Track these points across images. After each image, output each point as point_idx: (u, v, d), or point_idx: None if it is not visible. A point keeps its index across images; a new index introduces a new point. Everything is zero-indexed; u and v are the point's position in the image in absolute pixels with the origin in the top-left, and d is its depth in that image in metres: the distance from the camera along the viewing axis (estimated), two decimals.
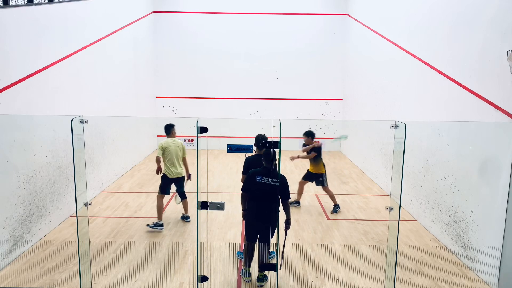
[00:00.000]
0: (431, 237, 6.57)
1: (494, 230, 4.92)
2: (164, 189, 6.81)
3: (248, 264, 5.10)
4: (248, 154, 6.09)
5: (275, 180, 4.77)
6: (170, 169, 6.78)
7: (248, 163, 5.83)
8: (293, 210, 7.74)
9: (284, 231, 5.02)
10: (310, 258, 5.73)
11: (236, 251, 5.84)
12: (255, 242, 5.08)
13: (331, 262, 5.62)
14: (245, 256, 5.09)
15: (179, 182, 6.97)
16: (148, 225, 6.66)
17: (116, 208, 7.74)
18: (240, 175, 6.04)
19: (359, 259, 5.73)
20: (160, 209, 6.73)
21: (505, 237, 4.77)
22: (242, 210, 5.10)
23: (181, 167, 6.94)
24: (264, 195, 4.80)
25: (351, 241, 6.39)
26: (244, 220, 5.29)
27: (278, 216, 4.87)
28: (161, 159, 6.81)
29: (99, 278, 5.07)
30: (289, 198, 4.99)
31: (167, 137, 6.88)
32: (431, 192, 6.65)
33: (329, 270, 5.37)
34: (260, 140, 5.95)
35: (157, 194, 6.88)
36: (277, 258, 4.89)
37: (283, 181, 4.89)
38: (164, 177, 6.84)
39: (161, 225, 6.64)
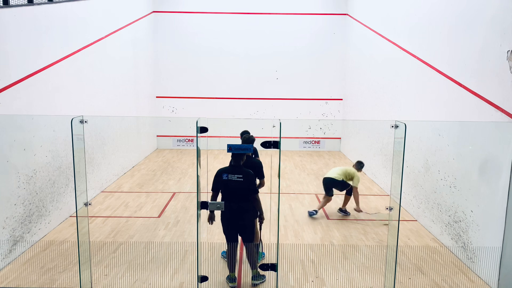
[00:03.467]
0: (431, 237, 6.57)
1: (494, 230, 4.92)
2: (325, 191, 7.58)
3: (232, 268, 4.98)
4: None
5: (240, 176, 4.75)
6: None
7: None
8: (293, 211, 7.75)
9: (259, 226, 5.00)
10: (310, 258, 5.73)
11: (221, 251, 5.81)
12: (236, 242, 4.99)
13: (331, 262, 5.62)
14: (228, 259, 4.98)
15: (334, 185, 7.49)
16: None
17: (116, 208, 7.74)
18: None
19: (359, 259, 5.73)
20: (322, 202, 7.56)
21: (505, 237, 4.77)
22: (210, 210, 4.99)
23: (336, 174, 7.45)
24: (233, 193, 4.78)
25: (351, 241, 6.39)
26: (208, 222, 5.17)
27: (251, 213, 4.85)
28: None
29: (99, 278, 5.07)
30: (256, 192, 4.90)
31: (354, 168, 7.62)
32: (431, 192, 6.65)
33: (329, 270, 5.37)
34: (245, 140, 5.97)
35: None
36: (259, 255, 4.86)
37: (248, 176, 4.81)
38: None
39: (314, 213, 7.41)
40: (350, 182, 7.42)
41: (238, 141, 7.26)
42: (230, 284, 4.97)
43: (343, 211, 7.52)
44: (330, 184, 7.44)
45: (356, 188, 7.36)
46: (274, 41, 14.03)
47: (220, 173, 4.87)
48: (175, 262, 5.52)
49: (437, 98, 6.80)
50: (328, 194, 7.47)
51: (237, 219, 4.83)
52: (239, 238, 5.03)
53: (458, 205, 5.77)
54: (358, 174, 7.45)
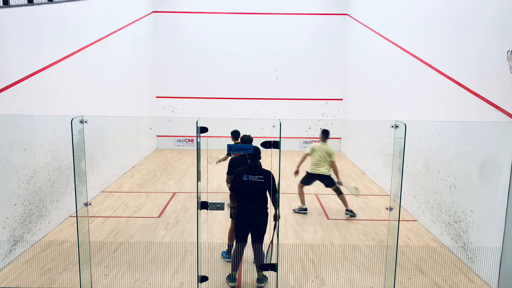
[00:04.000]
0: (431, 237, 6.57)
1: (494, 230, 4.92)
2: (305, 181, 7.66)
3: (235, 267, 4.98)
4: (233, 154, 6.16)
5: (261, 176, 4.78)
6: (313, 167, 7.52)
7: (232, 163, 5.90)
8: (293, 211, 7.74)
9: (273, 225, 5.02)
10: (310, 258, 5.73)
11: (221, 251, 5.81)
12: (245, 243, 5.01)
13: (331, 262, 5.62)
14: (233, 258, 4.99)
15: (323, 180, 7.50)
16: (294, 210, 7.66)
17: (116, 208, 7.74)
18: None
19: (359, 259, 5.73)
20: (301, 195, 7.69)
21: (505, 237, 4.77)
22: (232, 207, 5.07)
23: (326, 168, 7.42)
24: (252, 193, 4.80)
25: (351, 241, 6.39)
26: (232, 218, 5.37)
27: (268, 213, 4.87)
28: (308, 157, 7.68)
29: (99, 278, 5.07)
30: (277, 192, 4.94)
31: (322, 142, 7.53)
32: (431, 192, 6.65)
33: (329, 270, 5.37)
34: (245, 140, 6.03)
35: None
36: (268, 255, 4.86)
37: (268, 177, 4.86)
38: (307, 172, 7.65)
39: (305, 209, 7.60)
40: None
41: (238, 141, 7.26)
42: (230, 284, 4.98)
43: (349, 211, 7.48)
44: (315, 178, 7.52)
45: (334, 162, 7.43)
46: (274, 41, 14.03)
47: (239, 173, 4.87)
48: (175, 262, 5.52)
49: (437, 98, 6.80)
50: (307, 184, 7.62)
51: (253, 219, 4.84)
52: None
53: (458, 205, 5.77)
54: (330, 148, 7.47)
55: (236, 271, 5.01)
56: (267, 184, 4.82)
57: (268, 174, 4.87)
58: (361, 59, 11.99)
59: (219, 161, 8.32)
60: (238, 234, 4.95)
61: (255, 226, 4.86)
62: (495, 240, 4.90)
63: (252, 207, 4.82)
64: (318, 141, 7.67)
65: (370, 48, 11.02)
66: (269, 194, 4.88)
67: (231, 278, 4.99)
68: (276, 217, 4.94)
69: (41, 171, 6.17)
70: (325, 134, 7.55)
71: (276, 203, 4.94)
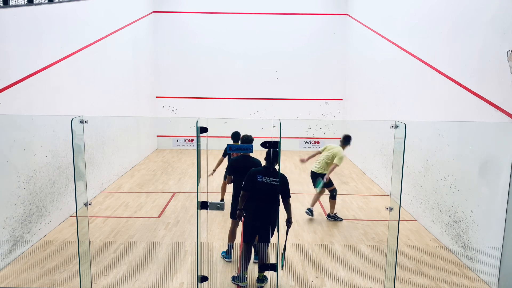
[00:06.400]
0: (431, 237, 6.57)
1: (494, 230, 4.92)
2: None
3: (245, 267, 4.98)
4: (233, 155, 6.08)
5: (276, 179, 4.77)
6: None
7: (233, 163, 5.77)
8: (293, 211, 7.74)
9: (286, 230, 5.01)
10: (310, 258, 5.73)
11: (221, 251, 5.81)
12: (253, 243, 5.03)
13: (331, 262, 5.62)
14: (243, 258, 4.99)
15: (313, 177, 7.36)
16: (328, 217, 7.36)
17: (116, 208, 7.74)
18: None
19: (359, 259, 5.73)
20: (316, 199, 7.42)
21: (505, 237, 4.77)
22: (238, 209, 5.05)
23: (320, 167, 7.22)
24: (264, 195, 4.79)
25: (351, 241, 6.39)
26: (232, 219, 5.43)
27: (278, 216, 4.87)
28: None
29: (99, 278, 5.07)
30: (290, 197, 4.97)
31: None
32: (431, 192, 6.65)
33: (329, 270, 5.37)
34: (245, 140, 5.94)
35: None
36: (281, 259, 4.86)
37: (283, 180, 4.87)
38: None
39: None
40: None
41: (238, 141, 7.24)
42: (241, 284, 4.94)
43: (331, 217, 7.26)
44: (312, 178, 7.33)
45: (336, 165, 7.08)
46: (274, 41, 14.03)
47: (254, 174, 4.85)
48: (175, 263, 5.52)
49: (437, 98, 6.80)
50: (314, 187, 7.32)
51: (263, 221, 4.82)
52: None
53: (458, 205, 5.77)
54: (341, 152, 7.13)
55: (246, 270, 5.00)
56: (281, 188, 4.81)
57: (283, 178, 4.87)
58: (361, 59, 11.99)
59: (214, 170, 8.06)
60: (246, 235, 4.94)
61: (265, 229, 4.85)
62: (495, 240, 4.90)
63: (264, 209, 4.79)
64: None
65: (370, 48, 11.02)
66: (282, 198, 4.86)
67: (241, 278, 4.96)
68: (289, 222, 4.95)
69: (41, 171, 6.17)
70: (343, 140, 7.33)
71: (288, 208, 4.93)
